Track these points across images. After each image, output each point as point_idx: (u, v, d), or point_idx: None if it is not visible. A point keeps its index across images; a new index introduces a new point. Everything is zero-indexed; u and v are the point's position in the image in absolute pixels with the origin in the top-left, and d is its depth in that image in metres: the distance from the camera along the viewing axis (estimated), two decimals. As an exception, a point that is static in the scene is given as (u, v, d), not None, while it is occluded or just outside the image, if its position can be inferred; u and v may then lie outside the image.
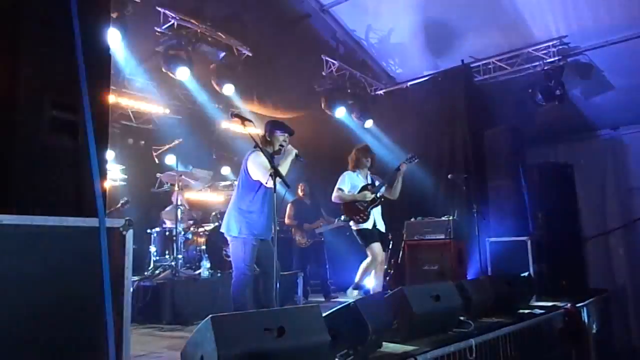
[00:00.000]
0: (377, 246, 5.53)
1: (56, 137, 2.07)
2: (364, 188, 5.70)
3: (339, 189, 5.69)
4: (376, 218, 5.67)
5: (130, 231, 2.09)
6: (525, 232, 6.43)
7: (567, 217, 6.82)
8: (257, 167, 4.17)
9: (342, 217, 5.82)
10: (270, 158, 4.08)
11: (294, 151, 4.28)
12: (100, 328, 1.91)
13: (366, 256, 5.65)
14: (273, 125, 4.44)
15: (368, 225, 5.60)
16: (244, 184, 4.30)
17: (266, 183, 4.10)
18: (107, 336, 1.90)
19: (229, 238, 4.27)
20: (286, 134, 4.38)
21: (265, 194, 4.23)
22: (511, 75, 7.98)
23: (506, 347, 3.90)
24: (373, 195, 5.64)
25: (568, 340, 4.93)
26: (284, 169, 4.10)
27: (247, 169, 4.25)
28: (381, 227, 5.73)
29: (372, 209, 5.63)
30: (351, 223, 5.70)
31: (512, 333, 4.02)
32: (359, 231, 5.63)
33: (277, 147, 4.34)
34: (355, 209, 5.63)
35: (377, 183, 5.81)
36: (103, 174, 2.13)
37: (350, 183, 5.71)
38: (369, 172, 5.87)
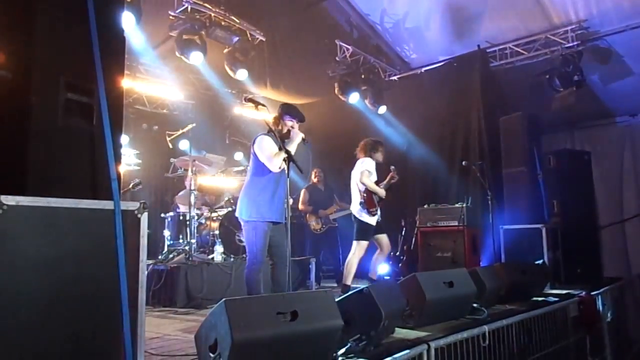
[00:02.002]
0: (365, 244, 5.63)
1: (71, 120, 2.07)
2: (376, 183, 5.73)
3: (368, 171, 5.62)
4: (379, 212, 5.74)
5: (145, 214, 2.10)
6: (540, 220, 6.37)
7: (583, 205, 6.74)
8: (261, 150, 4.20)
9: (360, 202, 5.69)
10: (279, 141, 4.13)
11: (300, 135, 4.27)
12: (115, 309, 1.93)
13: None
14: (285, 109, 4.43)
15: (373, 221, 5.65)
16: (253, 168, 4.33)
17: (270, 166, 4.12)
18: (122, 318, 1.92)
19: (242, 222, 4.29)
20: (295, 120, 4.37)
21: (276, 177, 4.23)
22: (528, 61, 7.85)
23: (520, 334, 3.88)
24: (384, 193, 5.72)
25: (582, 328, 4.89)
26: (281, 160, 4.10)
27: (255, 153, 4.28)
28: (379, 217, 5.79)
29: (380, 205, 5.70)
30: (360, 212, 5.64)
31: (525, 320, 3.99)
32: (364, 223, 5.63)
33: (285, 131, 4.33)
34: (373, 201, 5.65)
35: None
36: (118, 157, 2.13)
37: (372, 169, 5.70)
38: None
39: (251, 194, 4.24)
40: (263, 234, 4.17)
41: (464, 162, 6.79)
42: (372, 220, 5.63)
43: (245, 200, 4.25)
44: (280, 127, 4.34)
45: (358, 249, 5.62)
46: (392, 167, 5.98)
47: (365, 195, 5.65)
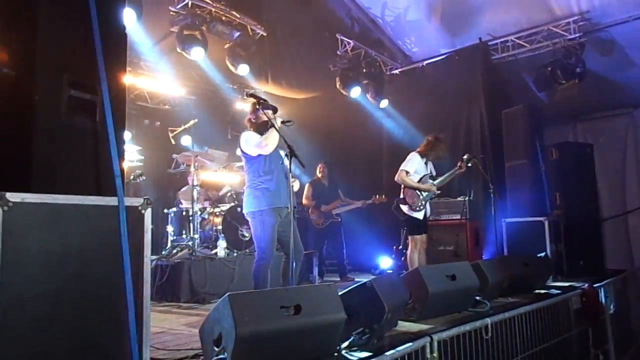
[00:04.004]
0: (419, 238, 5.73)
1: (74, 117, 2.08)
2: (424, 177, 5.80)
3: (405, 171, 5.75)
4: (427, 207, 5.83)
5: (149, 210, 2.11)
6: (543, 213, 6.35)
7: (585, 197, 6.72)
8: (248, 143, 4.27)
9: (400, 198, 5.85)
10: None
11: (279, 119, 4.29)
12: (120, 304, 1.94)
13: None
14: (259, 105, 4.45)
15: (420, 215, 5.73)
16: (246, 165, 4.43)
17: (263, 150, 4.21)
18: (127, 313, 1.94)
19: (249, 218, 4.30)
20: (270, 112, 4.37)
21: (271, 167, 4.29)
22: (530, 53, 7.83)
23: (522, 326, 3.89)
24: (435, 188, 5.79)
25: (585, 320, 4.90)
26: (274, 138, 4.18)
27: (243, 151, 4.35)
28: (429, 212, 5.92)
29: (429, 200, 5.79)
30: (405, 208, 5.79)
31: (528, 313, 4.00)
32: (410, 219, 5.76)
33: (261, 120, 4.38)
34: (415, 196, 5.74)
35: (433, 173, 5.94)
36: (121, 154, 2.15)
37: (415, 168, 5.79)
38: (431, 163, 6.00)
39: (253, 186, 4.29)
40: (271, 227, 4.18)
41: (465, 155, 6.78)
42: (419, 215, 5.73)
43: (249, 194, 4.30)
44: (258, 122, 4.39)
45: (412, 244, 5.75)
46: (465, 157, 5.96)
47: (404, 191, 5.79)
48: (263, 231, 4.18)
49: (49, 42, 2.06)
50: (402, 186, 5.82)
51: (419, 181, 5.78)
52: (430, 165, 6.00)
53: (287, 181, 4.23)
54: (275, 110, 4.35)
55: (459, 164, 5.93)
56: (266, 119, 4.24)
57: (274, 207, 4.19)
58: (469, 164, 5.93)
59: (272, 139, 4.17)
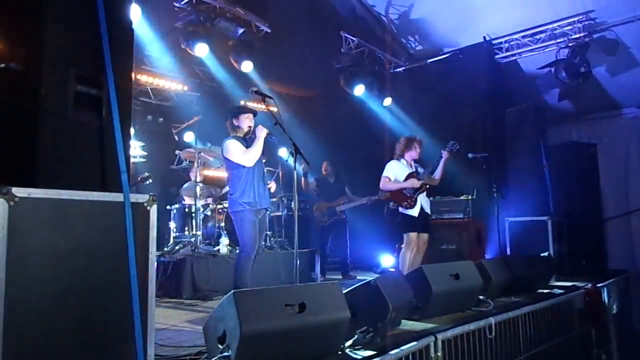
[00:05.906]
0: (413, 235, 5.70)
1: (81, 112, 2.08)
2: (410, 175, 5.80)
3: (386, 177, 5.81)
4: (423, 203, 5.79)
5: (155, 206, 2.11)
6: (546, 212, 6.35)
7: (588, 197, 6.72)
8: (231, 154, 4.46)
9: (391, 204, 6.01)
10: (245, 142, 4.50)
11: (265, 131, 4.47)
12: (125, 301, 1.94)
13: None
14: (234, 112, 4.69)
15: (414, 212, 5.72)
16: (227, 169, 4.65)
17: (245, 163, 4.43)
18: (132, 309, 1.93)
19: (232, 217, 4.58)
20: (249, 115, 4.61)
21: (251, 169, 4.49)
22: (534, 52, 7.80)
23: (525, 326, 3.89)
24: (420, 182, 5.77)
25: (588, 320, 4.90)
26: (257, 151, 4.42)
27: (226, 158, 4.53)
28: (427, 209, 5.86)
29: (418, 195, 5.76)
30: (399, 208, 5.83)
31: (531, 313, 4.00)
32: (404, 217, 5.77)
33: (246, 129, 4.59)
34: (403, 196, 5.76)
35: (420, 170, 5.94)
36: (127, 150, 2.14)
37: (394, 172, 5.82)
38: (412, 161, 5.95)
39: (233, 190, 4.53)
40: (251, 222, 4.44)
41: (469, 155, 6.76)
42: (413, 212, 5.72)
43: (231, 197, 4.56)
44: (240, 128, 4.60)
45: (406, 242, 5.74)
46: (450, 144, 5.91)
47: (392, 196, 5.87)
48: (243, 227, 4.46)
49: (56, 37, 2.05)
50: (389, 193, 5.91)
51: (404, 181, 5.80)
52: (414, 164, 5.97)
53: (262, 178, 4.59)
54: (254, 113, 4.59)
55: (442, 151, 5.91)
56: (247, 128, 4.54)
57: (253, 208, 4.44)
58: (453, 149, 5.89)
59: (250, 155, 4.41)
